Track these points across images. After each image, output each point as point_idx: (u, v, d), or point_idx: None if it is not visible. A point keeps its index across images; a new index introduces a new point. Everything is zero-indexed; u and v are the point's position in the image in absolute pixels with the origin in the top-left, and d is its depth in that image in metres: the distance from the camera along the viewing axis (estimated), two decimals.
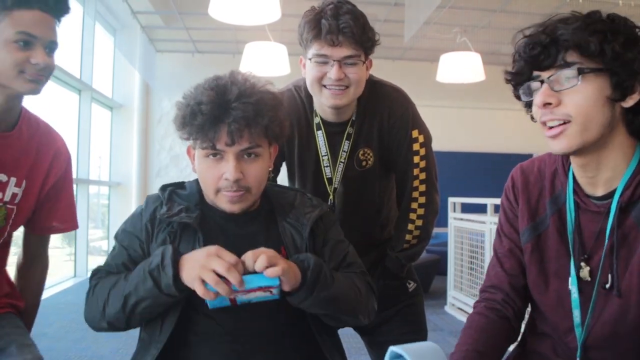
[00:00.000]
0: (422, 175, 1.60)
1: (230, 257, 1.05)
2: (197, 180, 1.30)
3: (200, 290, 1.03)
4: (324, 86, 1.45)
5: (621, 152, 0.99)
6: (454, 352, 1.06)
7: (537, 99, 0.98)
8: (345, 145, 1.56)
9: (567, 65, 0.94)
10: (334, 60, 1.42)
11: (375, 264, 1.68)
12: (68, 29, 5.50)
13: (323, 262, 1.18)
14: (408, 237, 1.61)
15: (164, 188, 1.31)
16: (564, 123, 0.96)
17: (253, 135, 1.16)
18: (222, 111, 1.13)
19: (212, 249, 1.07)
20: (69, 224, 1.52)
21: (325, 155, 1.58)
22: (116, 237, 1.29)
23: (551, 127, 0.98)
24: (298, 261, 1.13)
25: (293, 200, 1.33)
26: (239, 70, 1.23)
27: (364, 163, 1.59)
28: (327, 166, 1.58)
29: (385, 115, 1.56)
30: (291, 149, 1.63)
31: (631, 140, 1.00)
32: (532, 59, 0.98)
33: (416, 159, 1.58)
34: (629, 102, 0.96)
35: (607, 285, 0.99)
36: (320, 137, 1.58)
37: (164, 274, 1.08)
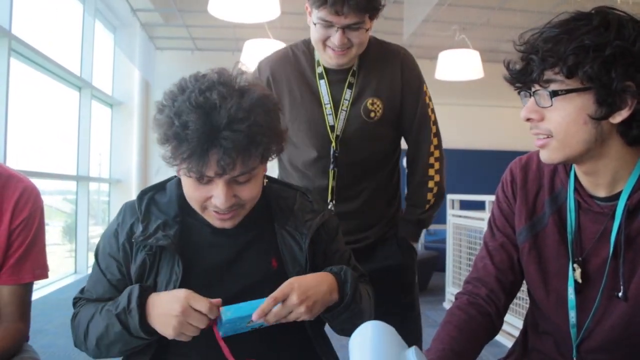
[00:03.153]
0: (435, 134, 1.68)
1: (203, 304, 0.99)
2: (178, 180, 1.18)
3: (185, 339, 1.01)
4: (328, 46, 1.52)
5: (620, 161, 0.97)
6: (429, 348, 1.04)
7: (522, 112, 0.99)
8: (347, 94, 1.61)
9: (545, 84, 0.94)
10: (338, 27, 1.47)
11: (382, 239, 1.69)
12: (68, 27, 5.50)
13: (355, 275, 1.14)
14: (429, 195, 1.65)
15: (141, 196, 1.19)
16: (548, 137, 0.97)
17: (246, 163, 1.02)
18: (210, 140, 0.98)
19: (183, 299, 0.99)
20: (41, 270, 1.33)
21: (327, 104, 1.61)
22: (95, 255, 1.20)
23: (537, 138, 1.00)
24: (334, 273, 1.11)
25: (292, 203, 1.22)
26: (227, 73, 1.07)
27: (372, 114, 1.61)
28: (329, 114, 1.61)
29: (397, 67, 1.62)
30: (282, 104, 1.63)
31: (631, 149, 0.97)
32: (515, 76, 0.99)
33: (430, 114, 1.67)
34: (617, 119, 0.92)
35: (620, 294, 0.98)
36: (322, 85, 1.62)
37: (131, 318, 1.01)
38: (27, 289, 1.30)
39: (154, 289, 1.09)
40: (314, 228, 1.18)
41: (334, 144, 1.60)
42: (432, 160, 1.65)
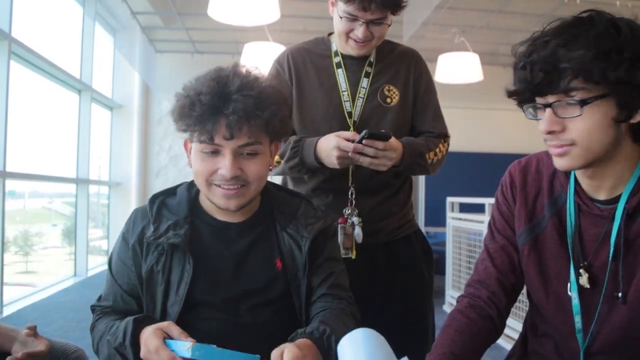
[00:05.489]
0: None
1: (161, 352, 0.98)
2: (188, 185, 1.26)
3: None
4: (350, 37, 1.61)
5: (627, 161, 0.98)
6: (430, 353, 1.04)
7: (542, 126, 0.96)
8: (364, 82, 1.68)
9: (570, 94, 0.91)
10: (363, 22, 1.54)
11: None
12: (68, 30, 5.51)
13: (327, 327, 1.06)
14: (441, 147, 1.69)
15: (153, 200, 1.24)
16: (570, 145, 0.95)
17: (253, 130, 1.11)
18: (222, 102, 1.08)
19: (151, 345, 1.00)
20: None
21: (345, 91, 1.67)
22: (109, 261, 1.23)
23: (556, 146, 0.97)
24: (316, 339, 1.02)
25: (296, 209, 1.26)
26: (242, 64, 1.19)
27: (388, 100, 1.67)
28: (347, 101, 1.67)
29: (412, 64, 1.72)
30: (300, 91, 1.68)
31: (636, 147, 0.98)
32: (534, 87, 0.95)
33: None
34: (637, 118, 0.93)
35: (619, 295, 0.98)
36: (340, 74, 1.69)
37: (127, 353, 1.06)
38: None
39: (151, 318, 1.12)
40: (315, 231, 1.21)
41: (352, 128, 1.65)
42: (445, 139, 1.72)
